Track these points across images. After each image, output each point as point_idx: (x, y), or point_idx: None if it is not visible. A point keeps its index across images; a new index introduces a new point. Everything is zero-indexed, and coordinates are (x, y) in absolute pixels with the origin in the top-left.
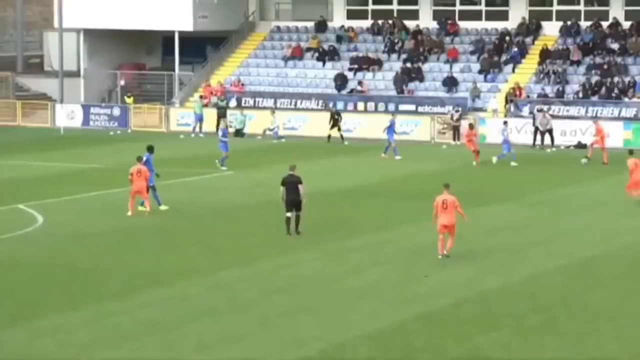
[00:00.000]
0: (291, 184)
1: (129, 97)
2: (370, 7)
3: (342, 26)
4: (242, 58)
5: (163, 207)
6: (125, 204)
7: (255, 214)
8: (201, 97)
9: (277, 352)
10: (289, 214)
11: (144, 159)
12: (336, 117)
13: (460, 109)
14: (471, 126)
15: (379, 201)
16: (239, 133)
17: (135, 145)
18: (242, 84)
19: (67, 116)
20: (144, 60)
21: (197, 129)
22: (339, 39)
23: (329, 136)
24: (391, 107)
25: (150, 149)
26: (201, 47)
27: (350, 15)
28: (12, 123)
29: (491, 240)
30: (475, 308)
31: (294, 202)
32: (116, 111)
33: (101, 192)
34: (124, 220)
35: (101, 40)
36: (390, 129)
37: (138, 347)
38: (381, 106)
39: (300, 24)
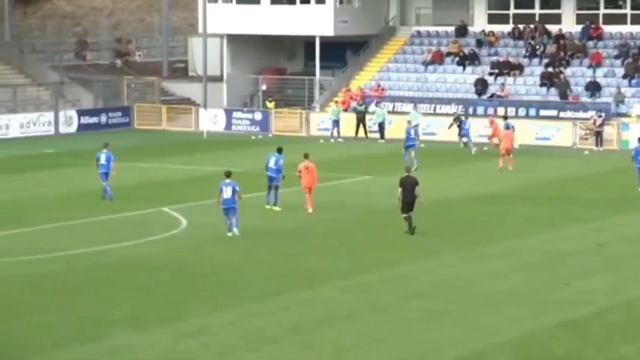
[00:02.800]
0: (409, 185)
1: (270, 101)
2: (512, 11)
3: (483, 31)
4: (382, 63)
5: (277, 209)
6: (262, 206)
7: (395, 218)
8: (336, 102)
9: (416, 357)
10: (405, 215)
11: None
12: (459, 122)
13: (603, 114)
14: None
15: (519, 207)
16: (381, 127)
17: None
18: (382, 89)
19: (211, 120)
20: (285, 65)
21: (335, 134)
22: (480, 43)
23: (465, 142)
24: (532, 112)
25: (279, 150)
26: (341, 52)
27: (491, 19)
28: (157, 127)
29: (635, 249)
30: (619, 317)
31: (410, 203)
32: (258, 115)
33: (249, 195)
34: (265, 222)
35: (244, 45)
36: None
37: (279, 349)
38: (522, 111)
39: (440, 29)
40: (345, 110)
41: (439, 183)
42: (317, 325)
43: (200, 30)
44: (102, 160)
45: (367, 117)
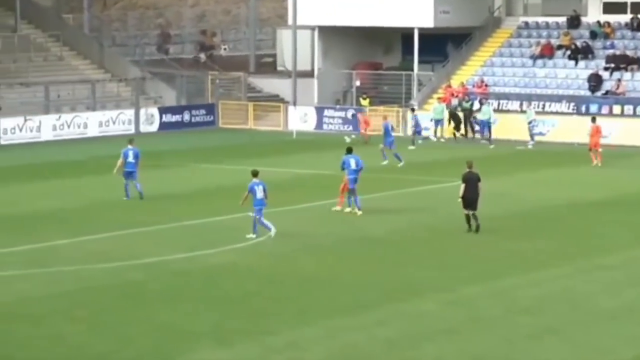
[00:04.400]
0: (472, 181)
1: (364, 98)
2: (630, 0)
3: (598, 21)
4: (486, 56)
5: (335, 209)
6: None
7: (497, 225)
8: (438, 99)
9: None
10: (467, 211)
11: (343, 160)
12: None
13: None
14: None
15: (633, 215)
16: (486, 126)
17: (371, 150)
18: (486, 85)
19: (300, 119)
20: (381, 59)
21: (439, 134)
22: (594, 35)
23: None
24: None
25: (350, 151)
26: (442, 45)
27: (607, 9)
28: (243, 126)
29: None
30: None
31: (472, 200)
32: (351, 114)
33: (331, 200)
34: (357, 230)
35: (336, 38)
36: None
37: None
38: None
39: (550, 20)
40: (448, 107)
41: (541, 187)
42: (415, 341)
43: (290, 21)
44: (130, 158)
45: (460, 115)
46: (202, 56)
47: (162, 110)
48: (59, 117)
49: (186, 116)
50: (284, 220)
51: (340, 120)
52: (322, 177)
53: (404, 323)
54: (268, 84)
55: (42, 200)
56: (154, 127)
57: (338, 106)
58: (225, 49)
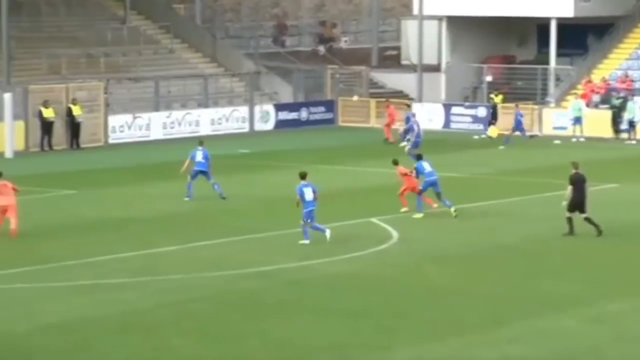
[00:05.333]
0: (579, 183)
1: (496, 95)
2: None
3: None
4: (631, 49)
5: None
6: (485, 220)
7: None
8: (578, 95)
9: None
10: (570, 215)
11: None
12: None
13: None
14: None
15: None
16: (631, 125)
17: (513, 152)
18: (631, 80)
19: (426, 117)
20: (515, 52)
21: (578, 133)
22: None
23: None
24: None
25: (420, 157)
26: (582, 37)
27: None
28: (364, 124)
29: None
30: None
31: (579, 203)
32: (481, 111)
33: (460, 205)
34: (487, 238)
35: (466, 29)
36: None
37: None
38: None
39: None
40: (587, 105)
41: None
42: None
43: (416, 11)
44: (199, 158)
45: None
46: (321, 49)
47: (278, 107)
48: (169, 114)
49: (303, 114)
50: (407, 227)
51: (469, 119)
52: (450, 180)
53: (540, 341)
54: (391, 79)
55: (152, 203)
56: (269, 125)
57: (467, 103)
58: (345, 41)
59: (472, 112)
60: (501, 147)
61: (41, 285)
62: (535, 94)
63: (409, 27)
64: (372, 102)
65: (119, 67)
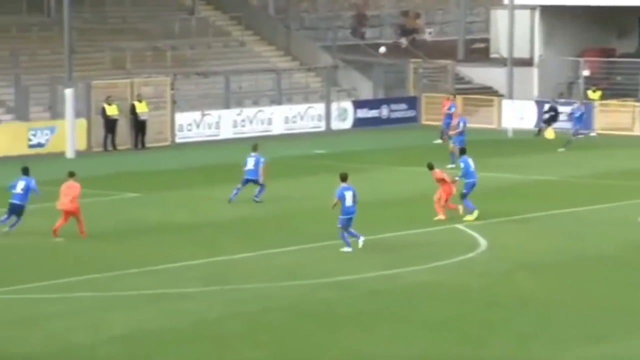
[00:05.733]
0: None
1: (594, 91)
2: None
3: None
4: None
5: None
6: (579, 226)
7: None
8: None
9: None
10: None
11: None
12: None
13: None
14: None
15: None
16: None
17: (599, 153)
18: None
19: (517, 115)
20: (614, 44)
21: None
22: None
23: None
24: None
25: (463, 150)
26: None
27: None
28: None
29: None
30: None
31: None
32: (575, 109)
33: (553, 211)
34: (582, 245)
35: (561, 19)
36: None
37: None
38: None
39: None
40: None
41: None
42: None
43: (507, 0)
44: (250, 165)
45: None
46: (404, 41)
47: (357, 104)
48: (240, 111)
49: (384, 111)
50: (496, 234)
51: (564, 117)
52: (543, 184)
53: None
54: (479, 74)
55: (221, 207)
56: (347, 123)
57: (562, 100)
58: (430, 32)
59: (567, 109)
60: (561, 149)
61: (105, 294)
62: (637, 90)
63: (499, 18)
64: (458, 99)
65: (187, 61)
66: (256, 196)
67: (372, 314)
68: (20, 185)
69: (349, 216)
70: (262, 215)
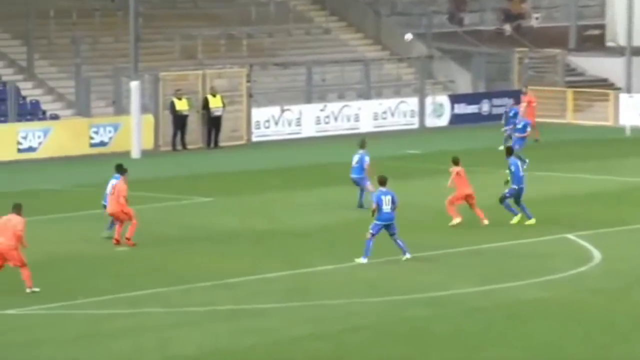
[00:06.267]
0: None
1: None
2: None
3: None
4: None
5: (456, 221)
6: None
7: None
8: None
9: None
10: None
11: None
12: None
13: None
14: None
15: None
16: None
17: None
18: None
19: (636, 111)
20: None
21: None
22: None
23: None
24: None
25: (508, 150)
26: None
27: None
28: (560, 120)
29: None
30: None
31: None
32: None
33: None
34: None
35: None
36: None
37: None
38: None
39: None
40: None
41: None
42: None
43: None
44: (354, 162)
45: None
46: (507, 28)
47: (454, 99)
48: (324, 107)
49: (485, 106)
50: (612, 244)
51: None
52: None
53: None
54: (593, 65)
55: (302, 213)
56: (443, 120)
57: None
58: (537, 18)
59: None
60: None
61: (174, 309)
62: None
63: (616, 1)
64: (569, 93)
65: (265, 51)
66: (360, 202)
67: (471, 335)
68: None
69: (384, 223)
70: (346, 223)
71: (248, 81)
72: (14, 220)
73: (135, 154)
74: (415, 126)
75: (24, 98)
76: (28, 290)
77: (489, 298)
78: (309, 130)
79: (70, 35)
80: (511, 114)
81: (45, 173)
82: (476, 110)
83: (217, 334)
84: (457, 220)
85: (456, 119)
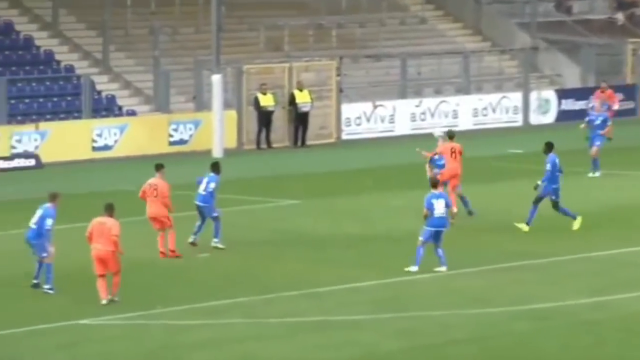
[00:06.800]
0: None
1: None
2: None
3: None
4: None
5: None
6: None
7: None
8: None
9: None
10: None
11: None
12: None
13: None
14: None
15: None
16: None
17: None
18: None
19: None
20: None
21: None
22: None
23: None
24: None
25: (549, 146)
26: None
27: None
28: None
29: None
30: None
31: None
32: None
33: None
34: None
35: None
36: None
37: None
38: None
39: None
40: None
41: None
42: None
43: None
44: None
45: None
46: (620, 16)
47: (561, 94)
48: (419, 102)
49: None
50: None
51: None
52: None
53: None
54: None
55: (395, 217)
56: (549, 117)
57: None
58: None
59: None
60: None
61: (257, 320)
62: None
63: None
64: None
65: (356, 42)
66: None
67: (580, 350)
68: (203, 185)
69: (435, 229)
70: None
71: (338, 75)
72: (108, 224)
73: (216, 153)
74: (519, 123)
75: (99, 93)
76: (107, 298)
77: (601, 310)
78: (403, 127)
79: (149, 26)
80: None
81: (120, 173)
82: (585, 107)
83: (304, 347)
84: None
85: (563, 116)
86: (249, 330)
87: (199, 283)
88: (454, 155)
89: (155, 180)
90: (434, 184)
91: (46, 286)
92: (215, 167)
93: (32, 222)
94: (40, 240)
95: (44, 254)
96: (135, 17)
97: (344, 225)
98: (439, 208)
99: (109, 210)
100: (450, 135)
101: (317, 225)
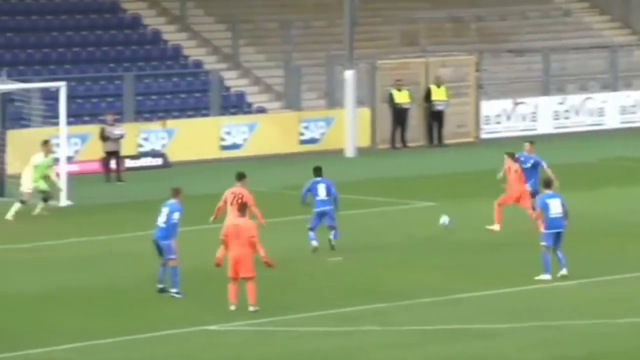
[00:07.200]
0: None
1: None
2: None
3: None
4: None
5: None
6: None
7: None
8: None
9: None
10: None
11: None
12: None
13: None
14: None
15: None
16: None
17: None
18: None
19: None
20: None
21: None
22: None
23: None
24: None
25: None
26: None
27: None
28: None
29: None
30: None
31: None
32: None
33: None
34: None
35: None
36: None
37: None
38: None
39: None
40: None
41: None
42: None
43: None
44: (527, 164)
45: None
46: None
47: None
48: (563, 99)
49: None
50: None
51: None
52: None
53: None
54: None
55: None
56: None
57: None
58: None
59: None
60: None
61: (392, 328)
62: None
63: None
64: None
65: (496, 36)
66: None
67: None
68: (321, 190)
69: (555, 231)
70: (585, 232)
71: (477, 70)
72: (244, 225)
73: (349, 152)
74: None
75: (227, 89)
76: (251, 309)
77: None
78: (545, 126)
79: (280, 19)
80: None
81: (250, 172)
82: None
83: (442, 357)
84: (496, 226)
85: None
86: (383, 339)
87: (331, 288)
88: (516, 175)
89: (237, 189)
90: (547, 183)
91: (173, 290)
92: (317, 170)
93: (161, 222)
94: (169, 240)
95: (171, 256)
96: (266, 11)
97: (480, 229)
98: (555, 208)
99: (242, 210)
100: (511, 156)
101: (455, 229)
